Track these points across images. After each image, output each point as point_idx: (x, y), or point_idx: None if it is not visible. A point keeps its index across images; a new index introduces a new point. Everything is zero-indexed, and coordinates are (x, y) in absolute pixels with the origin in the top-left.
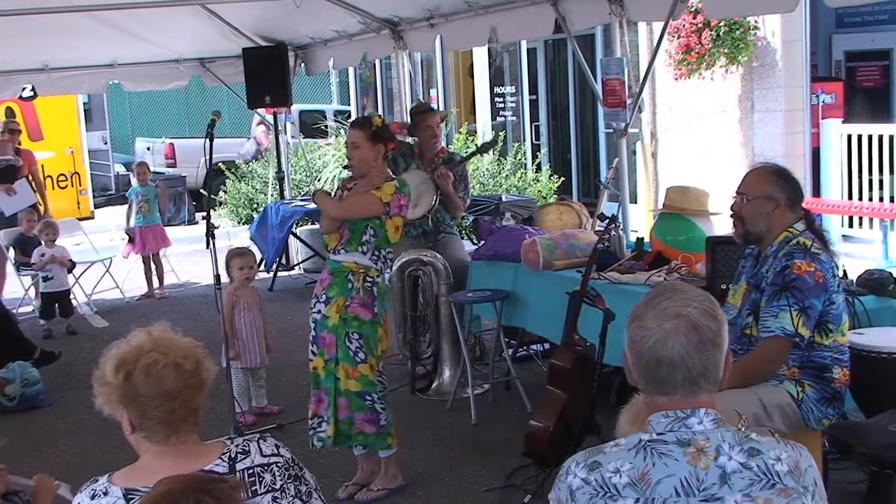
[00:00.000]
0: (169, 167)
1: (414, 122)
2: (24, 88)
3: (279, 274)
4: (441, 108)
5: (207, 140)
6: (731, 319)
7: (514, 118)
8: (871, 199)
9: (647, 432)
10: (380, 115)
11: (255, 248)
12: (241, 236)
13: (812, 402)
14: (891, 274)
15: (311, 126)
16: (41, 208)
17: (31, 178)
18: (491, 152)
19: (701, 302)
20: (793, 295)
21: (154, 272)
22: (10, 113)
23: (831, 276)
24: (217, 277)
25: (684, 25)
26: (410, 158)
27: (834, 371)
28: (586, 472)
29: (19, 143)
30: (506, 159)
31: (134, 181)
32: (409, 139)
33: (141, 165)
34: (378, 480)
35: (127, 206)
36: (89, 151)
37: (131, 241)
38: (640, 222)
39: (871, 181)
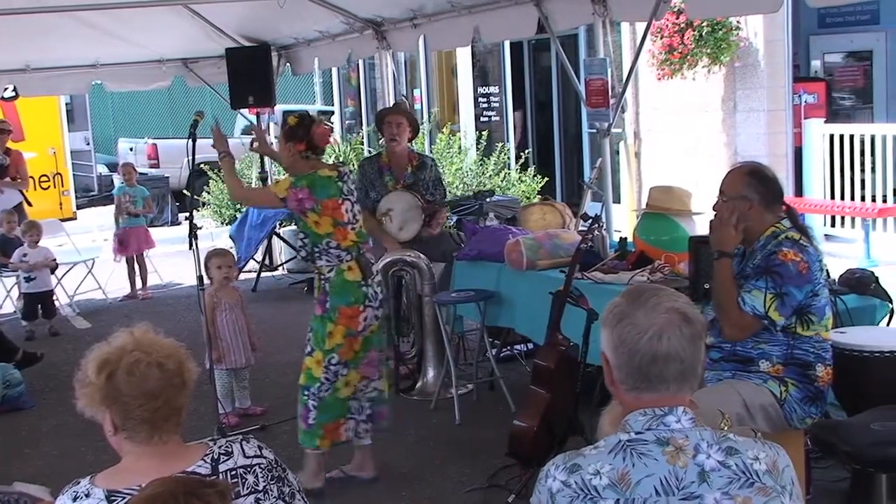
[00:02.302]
0: (152, 168)
1: (378, 120)
2: (5, 89)
3: (263, 274)
4: (424, 108)
5: (190, 140)
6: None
7: (498, 118)
8: (853, 199)
9: (626, 432)
10: (296, 115)
11: (234, 248)
12: (224, 237)
13: (795, 401)
14: (872, 273)
15: None
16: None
17: (18, 177)
18: (475, 152)
19: (683, 297)
20: (772, 279)
21: (137, 273)
22: None
23: (818, 270)
24: (200, 278)
25: (667, 25)
26: (380, 171)
27: (817, 369)
28: (566, 475)
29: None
30: (489, 159)
31: (118, 181)
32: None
33: (127, 166)
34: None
35: (115, 206)
36: (71, 152)
37: (122, 242)
38: (623, 222)
39: (852, 180)
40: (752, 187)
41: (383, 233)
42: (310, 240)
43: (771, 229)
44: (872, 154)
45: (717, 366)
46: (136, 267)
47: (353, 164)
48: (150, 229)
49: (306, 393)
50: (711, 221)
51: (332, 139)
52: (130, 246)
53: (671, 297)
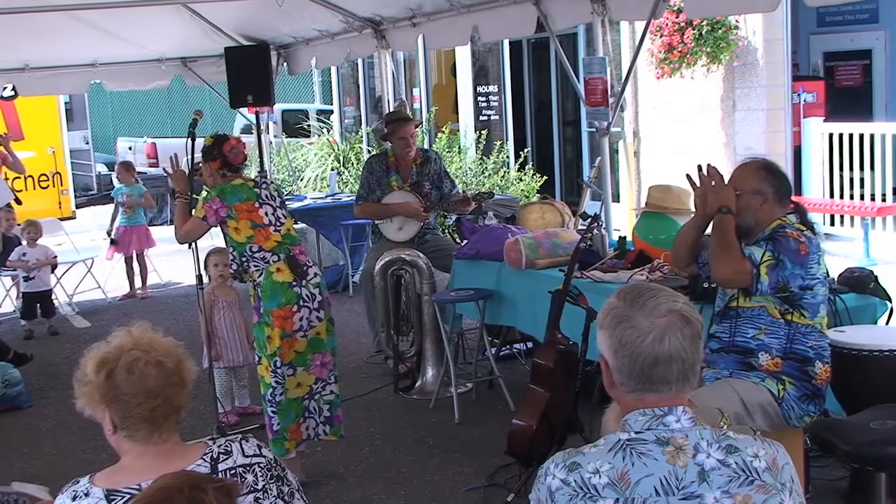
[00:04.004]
0: (151, 167)
1: (389, 131)
2: (4, 88)
3: None
4: (424, 107)
5: (189, 140)
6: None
7: (497, 117)
8: (852, 198)
9: (626, 431)
10: (211, 136)
11: None
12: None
13: (793, 399)
14: (871, 272)
15: (294, 125)
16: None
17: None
18: (474, 151)
19: (680, 296)
20: (773, 245)
21: (137, 272)
22: None
23: (815, 262)
24: (199, 277)
25: (667, 24)
26: (387, 170)
27: (816, 366)
28: (565, 473)
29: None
30: (488, 158)
31: (116, 181)
32: (385, 145)
33: (126, 165)
34: None
35: (113, 206)
36: (71, 151)
37: (114, 243)
38: (622, 221)
39: (851, 179)
40: (767, 182)
41: (389, 209)
42: (237, 251)
43: (777, 221)
44: (872, 153)
45: (717, 357)
46: (136, 266)
47: (354, 163)
48: (151, 228)
49: (265, 401)
50: (708, 186)
51: (248, 152)
52: (131, 244)
53: (669, 298)
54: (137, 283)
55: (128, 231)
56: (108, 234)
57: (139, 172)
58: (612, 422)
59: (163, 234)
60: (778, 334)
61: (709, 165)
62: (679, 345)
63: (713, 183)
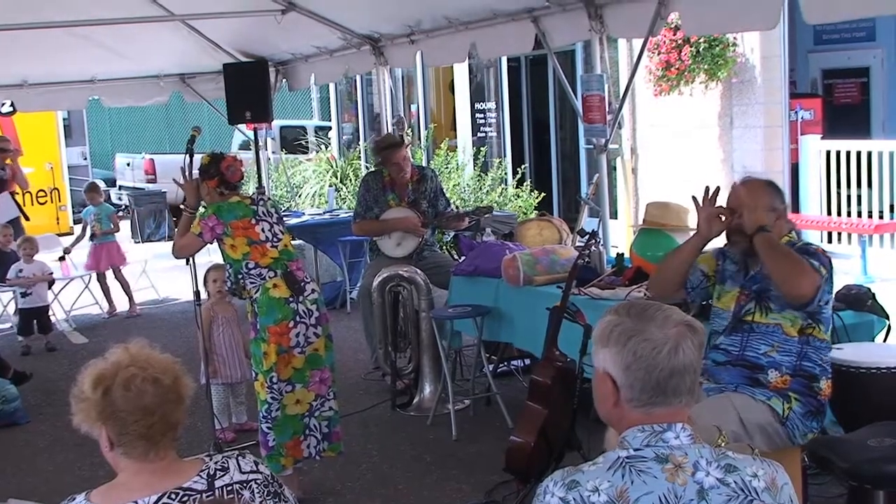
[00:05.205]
0: (149, 183)
1: (382, 158)
2: (2, 104)
3: None
4: (422, 124)
5: (187, 156)
6: (724, 324)
7: (495, 134)
8: (849, 215)
9: (625, 449)
10: (208, 154)
11: None
12: None
13: (798, 416)
14: (869, 289)
15: (292, 142)
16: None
17: (16, 191)
18: (472, 167)
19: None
20: (817, 258)
21: (119, 289)
22: None
23: (833, 278)
24: (196, 293)
25: (664, 42)
26: (383, 188)
27: (821, 382)
28: (564, 492)
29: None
30: (486, 175)
31: (115, 195)
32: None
33: (92, 186)
34: None
35: (81, 226)
36: (69, 167)
37: (62, 259)
38: (620, 238)
39: (849, 197)
40: (778, 198)
41: (387, 225)
42: (233, 268)
43: (785, 238)
44: (869, 170)
45: (721, 369)
46: (118, 283)
47: (353, 179)
48: (149, 244)
49: (261, 417)
50: (744, 206)
51: (244, 170)
52: (102, 261)
53: (673, 310)
54: (125, 300)
55: (98, 249)
56: (65, 251)
57: (137, 188)
58: (613, 438)
59: (160, 249)
60: (790, 352)
61: (740, 184)
62: (692, 355)
63: (749, 202)
